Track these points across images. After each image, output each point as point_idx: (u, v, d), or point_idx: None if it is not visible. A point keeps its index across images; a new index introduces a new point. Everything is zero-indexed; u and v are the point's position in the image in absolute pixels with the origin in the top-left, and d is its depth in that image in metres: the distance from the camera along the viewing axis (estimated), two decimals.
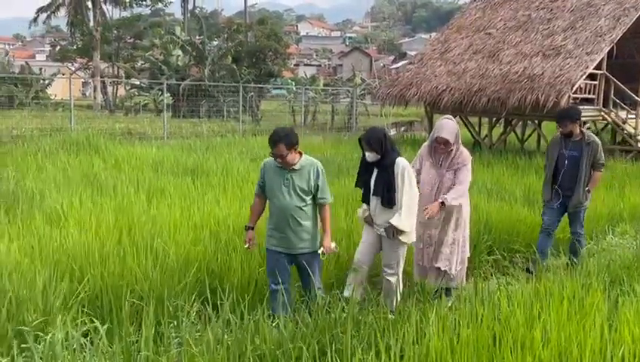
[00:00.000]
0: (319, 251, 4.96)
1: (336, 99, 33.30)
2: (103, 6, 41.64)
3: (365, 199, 5.47)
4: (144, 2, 47.41)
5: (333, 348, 3.80)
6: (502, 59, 17.48)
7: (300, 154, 4.92)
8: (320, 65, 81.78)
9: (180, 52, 34.49)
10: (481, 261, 6.84)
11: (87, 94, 49.83)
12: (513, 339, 3.84)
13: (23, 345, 4.10)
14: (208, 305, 4.59)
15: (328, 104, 31.95)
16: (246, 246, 5.18)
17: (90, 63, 43.35)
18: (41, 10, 42.51)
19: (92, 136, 14.52)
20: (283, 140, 4.74)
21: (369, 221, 5.44)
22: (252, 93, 28.91)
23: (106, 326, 4.01)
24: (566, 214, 6.94)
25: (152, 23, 48.77)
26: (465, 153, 5.65)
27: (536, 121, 17.50)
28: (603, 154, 6.81)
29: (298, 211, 4.90)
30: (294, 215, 4.89)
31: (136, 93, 35.43)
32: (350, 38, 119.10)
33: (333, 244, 5.02)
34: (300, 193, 4.88)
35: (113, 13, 45.80)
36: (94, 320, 4.39)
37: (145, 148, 14.47)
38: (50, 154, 12.44)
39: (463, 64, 18.11)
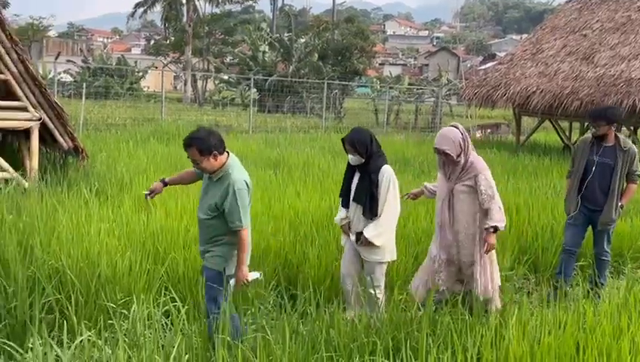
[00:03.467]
0: (228, 283, 4.17)
1: (421, 98, 32.91)
2: (196, 2, 42.95)
3: (345, 203, 5.04)
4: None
5: (408, 345, 3.75)
6: (597, 61, 16.70)
7: (223, 162, 4.14)
8: (405, 65, 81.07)
9: (267, 48, 35.11)
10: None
11: (178, 87, 51.59)
12: (598, 350, 3.66)
13: (109, 321, 4.30)
14: (284, 294, 4.65)
15: (412, 103, 31.63)
16: (145, 192, 4.66)
17: (182, 57, 44.89)
18: (138, 5, 44.40)
19: (181, 127, 15.01)
20: (195, 143, 4.04)
21: (346, 230, 5.03)
22: (336, 91, 29.03)
23: (186, 307, 4.11)
24: (591, 231, 6.01)
25: (242, 19, 49.91)
26: (478, 163, 4.95)
27: (632, 128, 16.63)
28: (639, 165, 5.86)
29: (206, 222, 4.25)
30: (204, 225, 4.29)
31: (225, 88, 36.38)
32: (438, 37, 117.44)
33: (252, 275, 4.23)
34: (208, 207, 4.19)
35: (205, 9, 47.13)
36: (175, 300, 4.52)
37: (230, 140, 14.81)
38: (142, 143, 12.95)
39: (556, 65, 17.44)
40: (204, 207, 4.24)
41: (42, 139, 9.00)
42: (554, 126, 18.82)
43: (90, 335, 3.59)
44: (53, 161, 9.12)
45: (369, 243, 4.75)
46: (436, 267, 5.14)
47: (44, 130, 8.86)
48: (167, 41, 49.85)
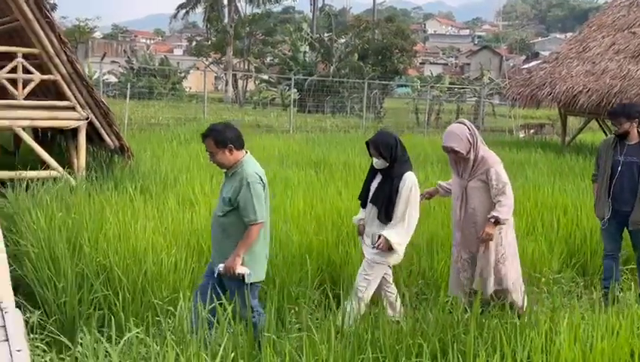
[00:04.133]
0: (216, 267, 4.17)
1: (462, 98, 32.53)
2: (238, 3, 43.33)
3: (364, 205, 4.93)
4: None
5: (455, 347, 3.68)
6: None
7: (239, 158, 4.13)
8: (446, 64, 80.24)
9: (307, 49, 35.20)
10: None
11: (219, 87, 52.11)
12: None
13: (156, 318, 4.35)
14: (328, 293, 4.63)
15: (453, 103, 31.29)
16: None
17: (223, 58, 45.33)
18: (180, 6, 45.04)
19: None
20: (212, 135, 4.09)
21: (361, 231, 4.96)
22: (376, 91, 28.91)
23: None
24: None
25: (282, 19, 50.16)
26: (489, 157, 4.82)
27: None
28: None
29: (220, 220, 4.22)
30: (217, 224, 4.26)
31: (265, 88, 36.59)
32: (479, 36, 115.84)
33: (241, 269, 4.07)
34: (223, 201, 4.17)
35: (246, 10, 47.54)
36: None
37: (272, 140, 14.91)
38: (185, 142, 13.11)
39: (603, 64, 16.98)
40: (220, 204, 4.24)
41: (89, 138, 9.19)
42: (601, 126, 18.35)
43: (137, 332, 3.62)
44: (99, 160, 9.29)
45: (389, 249, 4.62)
46: (459, 266, 5.03)
47: (91, 129, 9.04)
48: (209, 42, 50.41)
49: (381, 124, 24.88)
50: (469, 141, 4.75)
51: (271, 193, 4.64)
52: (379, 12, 52.19)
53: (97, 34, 56.60)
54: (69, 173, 8.67)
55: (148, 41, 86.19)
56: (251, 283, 4.16)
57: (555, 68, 18.08)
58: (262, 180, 4.13)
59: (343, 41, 37.00)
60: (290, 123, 21.31)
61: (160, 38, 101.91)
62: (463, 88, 34.35)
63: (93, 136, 9.24)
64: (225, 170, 4.24)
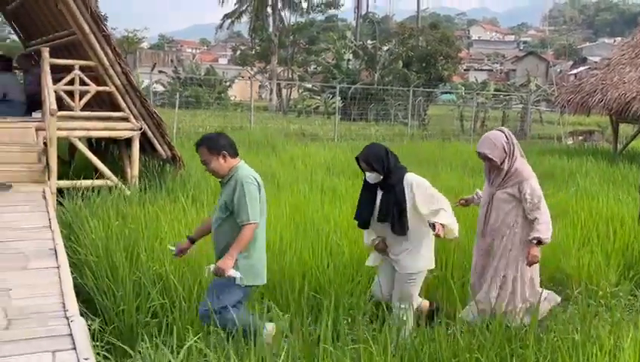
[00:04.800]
0: (207, 266, 4.22)
1: (508, 105, 32.03)
2: (282, 12, 43.74)
3: (365, 225, 4.71)
4: (319, 8, 49.06)
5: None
6: None
7: (233, 165, 4.17)
8: (491, 70, 79.21)
9: (351, 56, 35.23)
10: None
11: (263, 96, 52.62)
12: None
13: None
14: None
15: (499, 110, 30.84)
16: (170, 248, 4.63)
17: (268, 67, 45.77)
18: (226, 16, 45.71)
19: (269, 136, 15.27)
20: (205, 143, 4.15)
21: (381, 248, 4.70)
22: (420, 98, 28.73)
23: (287, 315, 4.16)
24: None
25: (326, 28, 50.38)
26: (523, 170, 4.66)
27: None
28: None
29: (218, 230, 4.25)
30: (215, 230, 4.29)
31: (309, 96, 36.73)
32: (525, 42, 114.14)
33: (232, 272, 4.04)
34: (220, 207, 4.21)
35: (290, 19, 47.93)
36: (270, 309, 4.56)
37: (317, 148, 14.95)
38: None
39: None
40: (216, 215, 4.26)
41: (141, 148, 9.39)
42: None
43: (196, 341, 3.68)
44: (151, 169, 9.48)
45: (449, 233, 4.46)
46: (474, 280, 4.94)
47: (144, 139, 9.25)
48: (253, 51, 50.98)
49: (426, 132, 24.69)
50: (505, 150, 4.63)
51: (321, 199, 4.66)
52: (422, 19, 51.91)
53: (145, 44, 57.82)
54: (123, 182, 8.88)
55: (193, 51, 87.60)
56: (245, 286, 4.18)
57: (606, 74, 17.68)
58: (257, 181, 4.15)
59: (386, 48, 36.90)
60: (334, 131, 21.35)
61: (205, 48, 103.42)
62: (508, 95, 33.83)
63: (145, 145, 9.45)
64: (220, 180, 4.26)
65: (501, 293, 4.70)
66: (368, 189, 4.60)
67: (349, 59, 35.24)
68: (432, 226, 4.38)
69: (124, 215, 6.86)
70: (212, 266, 4.09)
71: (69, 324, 3.48)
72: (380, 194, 4.53)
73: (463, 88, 37.87)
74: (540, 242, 4.56)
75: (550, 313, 4.85)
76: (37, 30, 11.18)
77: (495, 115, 30.37)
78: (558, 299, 5.07)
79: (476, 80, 44.11)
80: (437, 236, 4.42)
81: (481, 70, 74.73)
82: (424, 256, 4.56)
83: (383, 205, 4.48)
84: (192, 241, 4.52)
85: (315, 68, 42.80)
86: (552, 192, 9.54)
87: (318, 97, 35.47)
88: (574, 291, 5.48)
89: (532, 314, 4.47)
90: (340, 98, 27.41)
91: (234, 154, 4.18)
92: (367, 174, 4.53)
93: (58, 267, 4.42)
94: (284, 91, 43.11)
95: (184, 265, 5.29)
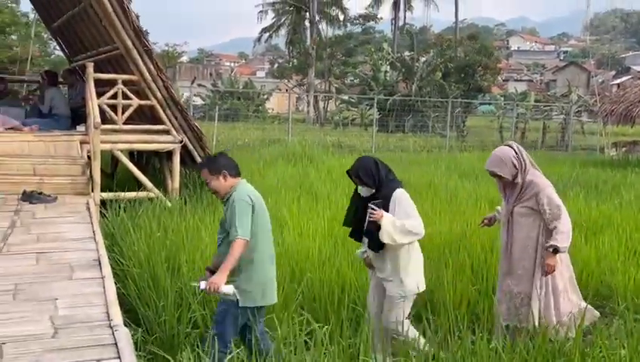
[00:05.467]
0: (195, 283, 4.11)
1: (549, 115, 31.52)
2: (319, 25, 44.02)
3: (358, 238, 4.62)
4: (356, 20, 49.25)
5: None
6: None
7: (233, 185, 4.13)
8: (531, 81, 78.16)
9: (388, 68, 35.21)
10: None
11: (300, 108, 52.95)
12: None
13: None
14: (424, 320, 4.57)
15: (539, 121, 30.37)
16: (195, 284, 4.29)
17: (305, 79, 46.06)
18: (264, 30, 46.25)
19: (307, 147, 15.35)
20: (206, 164, 4.26)
21: (368, 264, 4.62)
22: (459, 109, 28.51)
23: (326, 328, 4.15)
24: None
25: (363, 40, 50.50)
26: (538, 182, 4.51)
27: None
28: None
29: (219, 245, 4.30)
30: (218, 248, 4.33)
31: (346, 108, 36.82)
32: (565, 52, 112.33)
33: (226, 288, 3.91)
34: (220, 226, 4.28)
35: (327, 31, 48.20)
36: (310, 320, 4.56)
37: (354, 160, 14.93)
38: (271, 163, 13.37)
39: None
40: (220, 228, 4.26)
41: (182, 160, 9.52)
42: None
43: (238, 352, 3.71)
44: (191, 181, 9.60)
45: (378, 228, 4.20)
46: (499, 297, 4.78)
47: (184, 151, 9.38)
48: (290, 64, 51.40)
49: (464, 143, 24.46)
50: (515, 165, 4.50)
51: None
52: (460, 30, 51.66)
53: (184, 58, 58.80)
54: (164, 194, 9.01)
55: (232, 64, 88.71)
56: (252, 307, 4.11)
57: None
58: (251, 200, 4.07)
59: (424, 59, 36.79)
60: (372, 142, 21.33)
61: (243, 61, 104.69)
62: (549, 105, 33.31)
63: (186, 158, 9.58)
64: (222, 199, 4.24)
65: (527, 310, 4.58)
66: (360, 202, 4.47)
67: (386, 71, 35.23)
68: (373, 208, 4.22)
69: (166, 226, 6.97)
70: (203, 282, 3.98)
71: (113, 333, 3.54)
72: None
73: (502, 99, 37.44)
74: (556, 250, 4.43)
75: (590, 328, 4.73)
76: (81, 46, 11.48)
77: (535, 126, 29.93)
78: (597, 314, 4.92)
79: (516, 90, 43.49)
80: (371, 213, 4.21)
81: (521, 80, 73.76)
82: (411, 279, 4.37)
83: (370, 221, 4.31)
84: (212, 272, 4.23)
85: (353, 80, 42.93)
86: (596, 204, 9.34)
87: (355, 109, 35.55)
88: (620, 305, 5.34)
89: (575, 326, 4.36)
90: (377, 109, 27.40)
91: (235, 174, 4.17)
92: (359, 188, 4.43)
93: (102, 277, 4.51)
94: (321, 103, 43.29)
95: None
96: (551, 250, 4.43)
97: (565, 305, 4.62)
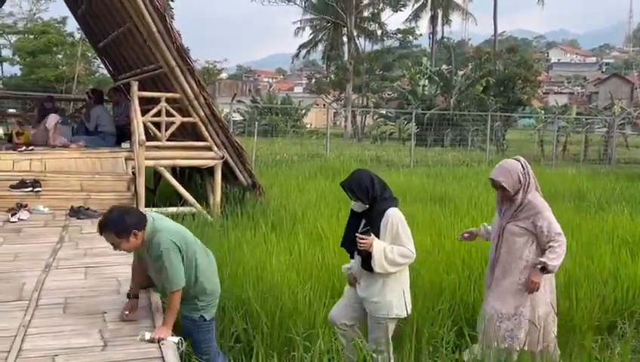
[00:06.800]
0: (140, 334, 3.78)
1: (591, 129, 30.93)
2: (357, 40, 44.22)
3: (350, 252, 4.48)
4: (394, 35, 49.31)
5: None
6: None
7: (144, 236, 3.87)
8: (572, 93, 76.92)
9: (426, 82, 35.12)
10: None
11: (338, 123, 53.15)
12: None
13: (292, 353, 4.47)
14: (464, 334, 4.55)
15: (581, 134, 29.83)
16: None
17: (343, 94, 46.26)
18: (302, 46, 46.69)
19: (345, 163, 15.41)
20: (111, 228, 3.79)
21: (352, 281, 4.50)
22: (498, 123, 28.22)
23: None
24: None
25: (401, 54, 50.51)
26: (538, 204, 4.41)
27: None
28: None
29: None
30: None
31: (383, 123, 36.80)
32: (607, 63, 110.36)
33: (171, 339, 3.77)
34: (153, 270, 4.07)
35: (365, 46, 48.37)
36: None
37: (393, 174, 14.93)
38: (310, 178, 13.47)
39: None
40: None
41: (223, 176, 9.67)
42: None
43: None
44: (232, 196, 9.74)
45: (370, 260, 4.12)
46: (482, 313, 4.65)
47: (225, 167, 9.53)
48: (328, 79, 51.69)
49: (505, 157, 24.15)
50: (520, 181, 4.42)
51: None
52: (499, 42, 51.23)
53: (224, 75, 59.69)
54: (206, 209, 9.16)
55: (270, 80, 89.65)
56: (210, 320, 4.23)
57: None
58: (176, 244, 3.90)
59: (462, 73, 36.58)
60: (410, 157, 21.26)
61: (281, 77, 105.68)
62: (591, 118, 32.71)
63: (227, 173, 9.73)
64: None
65: (508, 329, 4.47)
66: (354, 216, 4.38)
67: (424, 85, 35.15)
68: (361, 237, 4.13)
69: (208, 241, 7.06)
70: (147, 334, 3.78)
71: (159, 347, 3.62)
72: (362, 224, 4.28)
73: (543, 112, 36.91)
74: (544, 268, 4.32)
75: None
76: (126, 64, 11.80)
77: (577, 139, 29.42)
78: (559, 352, 4.66)
79: (557, 103, 42.85)
80: (360, 243, 4.13)
81: (562, 93, 72.71)
82: (393, 303, 4.26)
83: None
84: (136, 297, 4.18)
85: (390, 94, 42.93)
86: None
87: (393, 123, 35.50)
88: None
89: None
90: (415, 124, 27.34)
91: (144, 225, 3.86)
92: (353, 203, 4.32)
93: (148, 291, 4.61)
94: (358, 118, 43.37)
95: (266, 290, 5.41)
96: (539, 266, 4.33)
97: (551, 327, 4.51)
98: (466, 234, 4.99)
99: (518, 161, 4.53)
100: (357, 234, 4.16)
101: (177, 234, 3.98)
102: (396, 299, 4.25)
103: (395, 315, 4.28)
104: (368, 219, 4.24)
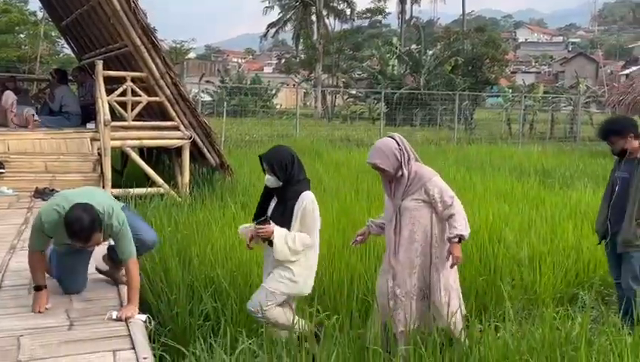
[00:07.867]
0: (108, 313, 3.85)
1: (557, 107, 31.42)
2: (326, 20, 44.03)
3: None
4: (363, 15, 49.22)
5: None
6: None
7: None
8: (539, 72, 77.88)
9: (395, 62, 35.19)
10: None
11: (308, 103, 53.04)
12: None
13: (261, 330, 4.50)
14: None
15: (547, 113, 30.29)
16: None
17: (312, 74, 46.11)
18: (270, 25, 46.29)
19: (314, 142, 15.42)
20: (95, 230, 3.80)
21: (243, 238, 4.49)
22: (466, 102, 28.48)
23: (335, 318, 4.21)
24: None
25: (370, 34, 50.48)
26: (424, 173, 4.20)
27: None
28: None
29: None
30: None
31: (353, 102, 36.85)
32: (573, 43, 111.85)
33: (139, 316, 3.86)
34: None
35: (335, 26, 48.19)
36: (319, 311, 4.59)
37: (362, 153, 15.00)
38: None
39: None
40: None
41: (191, 156, 9.61)
42: None
43: (250, 343, 3.78)
44: (201, 177, 9.69)
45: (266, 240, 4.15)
46: (392, 304, 4.29)
47: (193, 147, 9.47)
48: (298, 59, 51.47)
49: (472, 135, 24.46)
50: (397, 158, 4.16)
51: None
52: (467, 22, 51.51)
53: (192, 55, 59.02)
54: (174, 190, 9.10)
55: (239, 60, 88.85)
56: None
57: None
58: (119, 221, 4.00)
59: (431, 52, 36.73)
60: (380, 136, 21.31)
61: (251, 57, 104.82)
62: (557, 97, 33.21)
63: (195, 153, 9.67)
64: None
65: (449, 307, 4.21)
66: (267, 194, 4.36)
67: (393, 65, 35.22)
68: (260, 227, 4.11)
69: (176, 221, 7.05)
70: (114, 312, 3.84)
71: (127, 325, 3.63)
72: (274, 202, 4.29)
73: (510, 91, 37.35)
74: (460, 239, 4.10)
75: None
76: (90, 44, 11.58)
77: (544, 118, 29.85)
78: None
79: (524, 82, 43.35)
80: (259, 233, 4.14)
81: (529, 72, 73.54)
82: (291, 281, 4.24)
83: (273, 216, 4.21)
84: (45, 287, 4.03)
85: (360, 74, 42.93)
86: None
87: (363, 103, 35.56)
88: None
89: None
90: (384, 103, 27.42)
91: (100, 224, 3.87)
92: (267, 176, 4.24)
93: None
94: (328, 98, 43.33)
95: (235, 269, 5.42)
96: (456, 240, 4.09)
97: (455, 300, 4.30)
98: (359, 238, 4.75)
99: (393, 138, 4.29)
100: (255, 226, 4.13)
101: (112, 204, 4.09)
102: (290, 278, 4.23)
103: (283, 291, 4.24)
104: (280, 198, 4.23)
